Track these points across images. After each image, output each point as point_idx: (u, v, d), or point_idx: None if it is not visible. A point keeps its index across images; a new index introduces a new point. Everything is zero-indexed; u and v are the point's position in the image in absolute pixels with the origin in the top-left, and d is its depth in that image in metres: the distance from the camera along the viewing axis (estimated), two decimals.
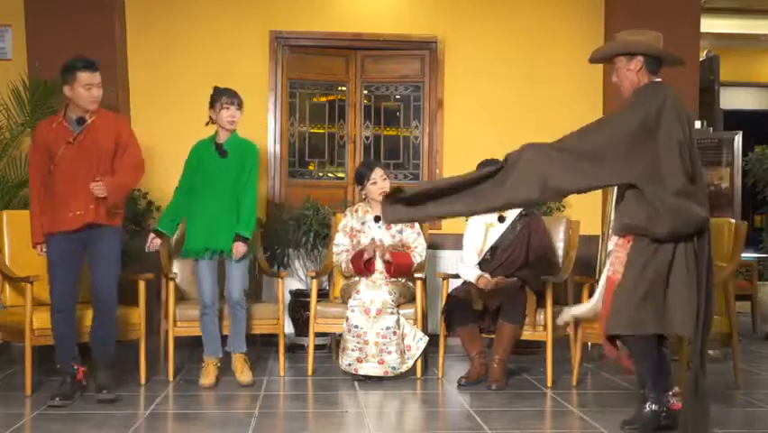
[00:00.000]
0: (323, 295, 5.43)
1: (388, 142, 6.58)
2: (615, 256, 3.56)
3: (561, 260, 5.09)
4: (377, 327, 4.69)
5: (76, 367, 4.19)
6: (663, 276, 3.36)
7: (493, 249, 4.88)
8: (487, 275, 4.79)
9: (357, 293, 4.76)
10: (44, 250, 4.19)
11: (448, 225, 6.24)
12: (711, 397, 3.53)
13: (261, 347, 5.47)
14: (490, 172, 3.47)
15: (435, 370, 5.00)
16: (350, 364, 4.74)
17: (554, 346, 4.69)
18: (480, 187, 3.45)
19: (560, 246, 5.13)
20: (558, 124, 6.24)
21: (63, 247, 4.13)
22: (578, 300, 4.80)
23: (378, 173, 5.02)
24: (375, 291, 4.75)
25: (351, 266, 4.98)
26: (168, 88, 6.10)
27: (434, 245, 5.98)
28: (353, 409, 4.18)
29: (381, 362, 4.71)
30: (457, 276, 4.97)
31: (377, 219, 5.05)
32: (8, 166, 5.44)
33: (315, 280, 5.08)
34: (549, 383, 4.64)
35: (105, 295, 4.17)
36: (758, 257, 7.20)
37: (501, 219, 4.94)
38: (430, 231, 5.70)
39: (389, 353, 4.71)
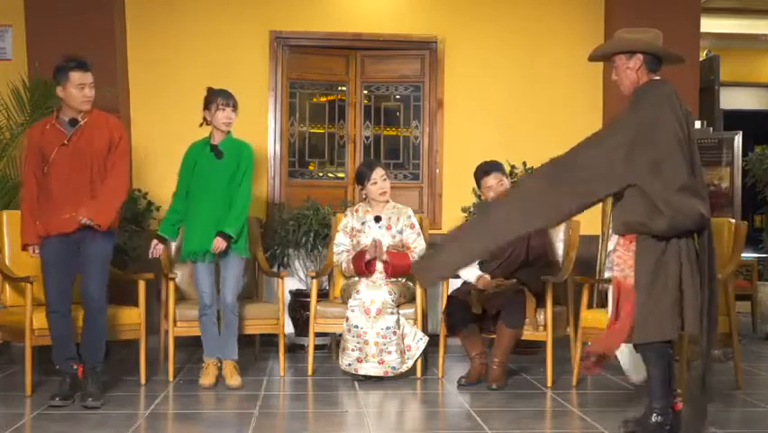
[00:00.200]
0: (323, 295, 5.43)
1: (388, 142, 6.58)
2: (617, 256, 3.55)
3: (561, 260, 5.09)
4: (377, 327, 4.69)
5: (75, 367, 4.18)
6: (677, 278, 3.35)
7: None
8: (486, 276, 4.79)
9: (357, 293, 4.76)
10: (36, 251, 4.16)
11: (448, 225, 6.25)
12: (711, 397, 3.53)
13: (261, 347, 5.48)
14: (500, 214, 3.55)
15: (435, 370, 5.00)
16: (350, 364, 4.74)
17: (554, 346, 4.69)
18: (491, 226, 3.54)
19: (560, 246, 5.13)
20: (558, 124, 6.31)
21: (58, 249, 4.11)
22: (578, 300, 4.80)
23: (378, 173, 5.02)
24: (375, 291, 4.75)
25: (351, 266, 4.97)
26: (168, 88, 6.10)
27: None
28: (353, 409, 4.18)
29: (381, 362, 4.71)
30: (457, 276, 4.97)
31: (377, 219, 5.05)
32: (8, 166, 5.44)
33: (315, 281, 5.08)
34: (549, 383, 4.64)
35: (95, 297, 4.12)
36: (758, 257, 7.20)
37: None
38: (430, 231, 5.70)
39: (389, 353, 4.71)
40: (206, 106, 4.63)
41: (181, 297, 5.07)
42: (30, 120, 5.42)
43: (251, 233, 5.09)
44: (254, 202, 5.66)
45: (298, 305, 5.80)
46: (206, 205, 4.54)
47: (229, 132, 4.65)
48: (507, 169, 5.18)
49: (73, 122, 4.13)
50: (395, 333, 4.72)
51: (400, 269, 4.92)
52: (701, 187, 3.43)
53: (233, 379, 4.55)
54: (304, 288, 5.93)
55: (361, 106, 6.54)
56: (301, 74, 6.42)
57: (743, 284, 6.73)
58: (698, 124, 6.51)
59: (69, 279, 4.17)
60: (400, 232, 5.03)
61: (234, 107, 4.63)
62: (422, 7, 6.40)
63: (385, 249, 4.93)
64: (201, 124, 4.68)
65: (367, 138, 6.53)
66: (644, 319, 3.37)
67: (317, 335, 5.11)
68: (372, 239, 4.97)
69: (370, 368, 4.72)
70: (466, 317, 4.71)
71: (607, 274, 5.61)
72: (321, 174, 6.56)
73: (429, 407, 4.40)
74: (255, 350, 5.39)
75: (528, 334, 4.71)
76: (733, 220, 4.83)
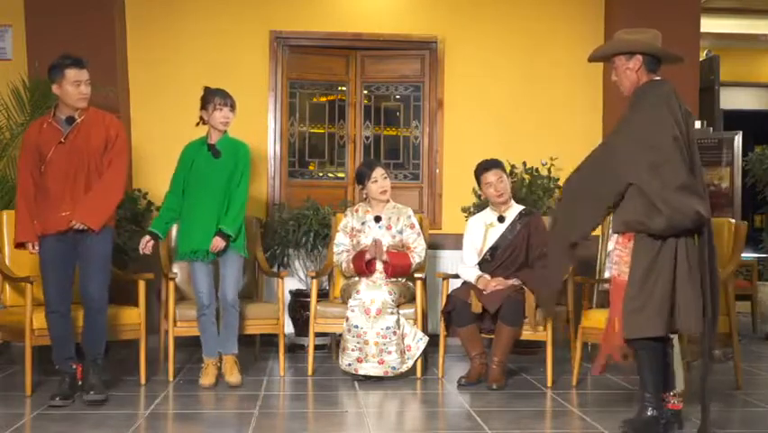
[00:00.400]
0: (323, 295, 5.43)
1: (388, 142, 6.58)
2: (616, 255, 3.56)
3: None
4: (377, 327, 4.69)
5: (75, 367, 4.18)
6: (670, 276, 3.36)
7: (493, 249, 4.88)
8: (486, 276, 4.79)
9: (357, 293, 4.76)
10: (36, 248, 4.14)
11: (448, 225, 6.26)
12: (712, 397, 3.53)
13: (261, 347, 5.48)
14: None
15: (435, 370, 5.00)
16: (350, 364, 4.74)
17: (554, 346, 4.70)
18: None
19: None
20: (558, 124, 6.31)
21: (56, 248, 4.11)
22: (578, 300, 4.79)
23: (378, 172, 5.02)
24: (375, 291, 4.75)
25: (351, 266, 4.97)
26: (168, 88, 6.10)
27: (434, 245, 5.98)
28: (353, 409, 4.18)
29: (381, 362, 4.71)
30: (457, 276, 4.98)
31: (377, 219, 5.05)
32: (8, 166, 5.44)
33: (315, 281, 5.08)
34: (549, 383, 4.64)
35: (95, 297, 4.12)
36: (758, 257, 7.20)
37: (501, 219, 4.94)
38: (430, 231, 5.70)
39: (389, 353, 4.71)
40: (204, 106, 4.62)
41: (181, 297, 5.07)
42: (30, 120, 5.41)
43: (251, 232, 5.09)
44: (254, 202, 5.68)
45: (298, 305, 5.80)
46: (205, 204, 4.54)
47: (225, 131, 4.64)
48: (507, 168, 5.19)
49: (70, 120, 4.13)
50: (395, 333, 4.72)
51: (400, 269, 4.92)
52: (701, 187, 3.43)
53: (233, 376, 4.55)
54: (304, 288, 5.93)
55: (361, 106, 6.53)
56: (301, 74, 6.42)
57: (743, 284, 6.73)
58: (698, 124, 6.51)
59: (68, 278, 4.16)
60: (400, 232, 5.03)
61: (232, 107, 4.62)
62: (422, 7, 6.40)
63: (385, 249, 4.93)
64: (198, 124, 4.67)
65: (367, 138, 6.53)
66: (633, 315, 3.39)
67: (317, 335, 5.11)
68: (373, 239, 4.97)
69: (370, 368, 4.72)
70: (466, 316, 4.71)
71: (606, 274, 5.61)
72: (321, 174, 6.56)
73: (429, 407, 4.40)
74: (255, 350, 5.39)
75: (528, 334, 4.71)
76: (733, 220, 4.83)
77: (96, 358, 4.18)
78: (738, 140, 6.72)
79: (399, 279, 4.98)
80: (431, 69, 6.40)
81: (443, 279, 5.01)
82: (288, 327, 5.61)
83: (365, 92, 6.55)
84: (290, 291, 5.86)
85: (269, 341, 5.49)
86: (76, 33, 5.69)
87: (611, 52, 3.63)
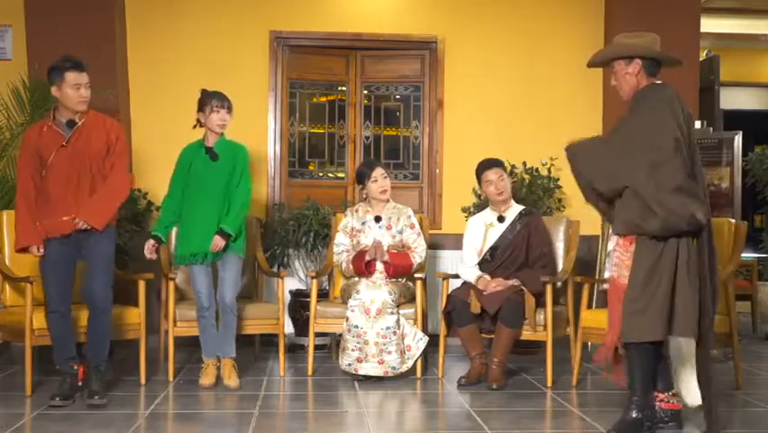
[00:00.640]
0: (323, 295, 5.43)
1: (388, 142, 6.58)
2: (617, 257, 3.55)
3: (561, 260, 5.09)
4: (377, 327, 4.69)
5: (75, 367, 4.18)
6: (671, 280, 3.35)
7: (493, 249, 4.88)
8: (486, 276, 4.79)
9: (357, 293, 4.76)
10: (41, 250, 4.11)
11: (448, 225, 6.26)
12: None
13: (261, 347, 5.48)
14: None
15: (435, 370, 5.00)
16: (350, 364, 4.74)
17: (554, 346, 4.69)
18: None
19: (560, 246, 5.13)
20: (558, 124, 6.30)
21: (59, 249, 4.11)
22: (578, 300, 4.79)
23: (378, 172, 5.03)
24: (375, 291, 4.75)
25: (351, 266, 4.97)
26: (167, 89, 6.10)
27: (434, 245, 5.98)
28: (353, 409, 4.18)
29: (381, 362, 4.71)
30: (457, 276, 4.98)
31: (377, 219, 5.05)
32: (8, 166, 5.44)
33: (315, 281, 5.08)
34: (549, 383, 4.64)
35: (100, 297, 4.12)
36: (758, 257, 7.20)
37: (501, 219, 4.94)
38: (430, 231, 5.70)
39: (389, 353, 4.71)
40: (200, 108, 4.61)
41: (181, 297, 5.07)
42: (30, 120, 5.42)
43: (251, 233, 5.09)
44: (254, 202, 5.67)
45: (298, 305, 5.80)
46: (203, 207, 4.53)
47: (222, 134, 4.64)
48: (507, 168, 5.19)
49: (71, 123, 4.12)
50: (395, 333, 4.72)
51: (401, 269, 4.93)
52: (701, 189, 3.41)
53: (231, 379, 4.55)
54: (304, 288, 5.93)
55: (361, 106, 6.53)
56: (301, 74, 6.42)
57: (743, 284, 6.73)
58: (698, 124, 6.51)
59: (69, 278, 4.16)
60: (400, 232, 5.04)
61: (229, 109, 4.62)
62: (422, 7, 6.40)
63: (386, 249, 4.93)
64: (195, 126, 4.67)
65: (367, 138, 6.53)
66: (634, 317, 3.37)
67: (317, 335, 5.11)
68: (373, 240, 4.97)
69: (370, 368, 4.72)
70: (466, 316, 4.71)
71: (606, 274, 5.61)
72: (321, 174, 6.56)
73: (429, 407, 4.40)
74: (255, 350, 5.39)
75: (528, 334, 4.71)
76: (733, 220, 4.83)
77: (100, 364, 4.17)
78: (738, 140, 6.72)
79: (399, 279, 4.98)
80: (431, 69, 6.40)
81: (443, 279, 5.01)
82: (288, 327, 5.61)
83: (365, 92, 6.55)
84: (290, 291, 5.86)
85: (269, 341, 5.49)
86: (76, 33, 5.69)
87: (610, 57, 3.62)
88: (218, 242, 4.48)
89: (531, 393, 4.50)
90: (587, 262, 5.84)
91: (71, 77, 4.05)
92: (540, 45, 6.40)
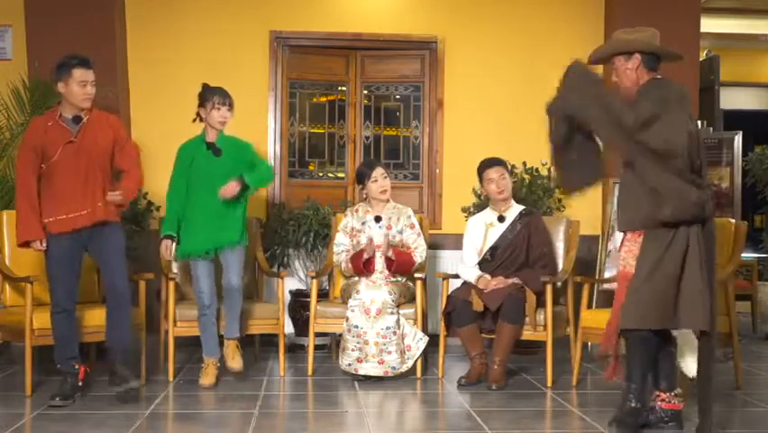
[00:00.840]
0: (323, 295, 5.43)
1: (388, 142, 6.58)
2: (625, 250, 3.54)
3: (561, 260, 5.09)
4: (377, 327, 4.69)
5: (77, 367, 4.19)
6: (677, 270, 3.34)
7: (493, 249, 4.88)
8: (487, 276, 4.79)
9: (357, 293, 4.76)
10: (43, 244, 4.11)
11: (448, 225, 6.26)
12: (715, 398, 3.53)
13: (261, 347, 5.48)
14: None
15: (435, 370, 5.00)
16: (350, 364, 4.74)
17: (554, 346, 4.69)
18: None
19: (560, 246, 5.12)
20: None
21: (67, 246, 4.11)
22: (578, 300, 4.80)
23: (378, 172, 5.03)
24: (375, 291, 4.75)
25: (350, 265, 4.98)
26: (168, 88, 6.10)
27: (434, 245, 5.98)
28: (353, 409, 4.18)
29: (381, 362, 4.71)
30: (457, 276, 4.98)
31: (377, 219, 5.05)
32: (8, 166, 5.43)
33: (315, 281, 5.08)
34: (549, 383, 4.64)
35: (121, 288, 4.18)
36: (758, 257, 7.20)
37: (501, 219, 4.94)
38: (430, 231, 5.70)
39: (389, 353, 4.71)
40: (202, 103, 4.60)
41: (181, 297, 5.07)
42: (30, 120, 5.41)
43: (251, 233, 5.08)
44: (254, 202, 5.67)
45: (298, 305, 5.80)
46: (206, 202, 4.53)
47: (222, 130, 4.63)
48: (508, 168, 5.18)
49: (77, 119, 4.13)
50: (395, 333, 4.72)
51: (404, 266, 4.93)
52: (704, 181, 3.43)
53: (235, 361, 4.55)
54: (304, 288, 5.93)
55: (361, 106, 6.53)
56: (301, 74, 6.42)
57: (743, 284, 6.73)
58: (698, 124, 6.51)
59: (76, 277, 4.19)
60: (400, 232, 5.04)
61: (230, 107, 4.61)
62: (422, 7, 6.40)
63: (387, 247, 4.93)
64: (194, 120, 4.66)
65: (367, 138, 6.53)
66: (632, 307, 3.38)
67: (317, 335, 5.11)
68: (369, 238, 4.97)
69: (370, 368, 4.72)
70: (466, 316, 4.71)
71: (607, 274, 5.62)
72: (321, 174, 6.56)
73: (429, 407, 4.40)
74: (255, 350, 5.39)
75: (528, 334, 4.71)
76: (733, 220, 4.83)
77: (126, 351, 4.21)
78: (738, 140, 6.72)
79: (399, 279, 4.98)
80: (431, 69, 6.40)
81: (443, 279, 5.01)
82: (288, 327, 5.61)
83: (365, 92, 6.55)
84: (290, 291, 5.86)
85: (269, 341, 5.49)
86: (76, 33, 5.69)
87: (610, 52, 3.62)
88: (232, 186, 4.47)
89: (531, 393, 4.50)
90: (587, 262, 5.83)
91: (78, 73, 4.06)
92: (540, 45, 6.40)
